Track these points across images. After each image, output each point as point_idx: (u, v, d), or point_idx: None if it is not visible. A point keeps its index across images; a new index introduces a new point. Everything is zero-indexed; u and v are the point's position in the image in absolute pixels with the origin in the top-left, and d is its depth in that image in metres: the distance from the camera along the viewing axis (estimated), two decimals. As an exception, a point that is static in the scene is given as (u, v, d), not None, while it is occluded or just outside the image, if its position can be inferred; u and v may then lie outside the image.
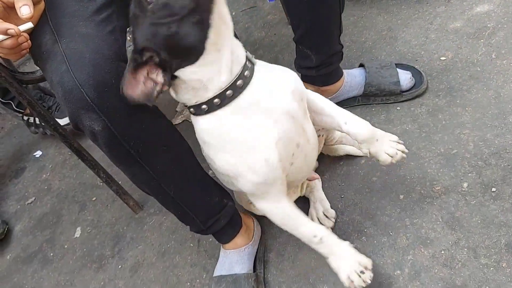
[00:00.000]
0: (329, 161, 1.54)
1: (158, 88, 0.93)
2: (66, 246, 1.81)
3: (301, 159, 1.12)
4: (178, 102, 2.12)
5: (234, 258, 1.38)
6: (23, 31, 0.98)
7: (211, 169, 1.60)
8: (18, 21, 0.97)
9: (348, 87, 1.62)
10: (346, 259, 1.14)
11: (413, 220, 1.31)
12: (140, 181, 1.21)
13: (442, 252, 1.22)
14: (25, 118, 2.29)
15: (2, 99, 2.14)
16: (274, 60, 2.03)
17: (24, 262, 1.85)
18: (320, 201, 1.44)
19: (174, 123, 2.02)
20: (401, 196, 1.37)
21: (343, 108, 1.54)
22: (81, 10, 1.09)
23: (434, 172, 1.38)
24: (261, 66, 1.04)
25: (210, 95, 0.97)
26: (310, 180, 1.47)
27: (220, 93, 0.96)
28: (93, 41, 1.02)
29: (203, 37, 0.90)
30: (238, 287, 1.33)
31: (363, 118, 1.57)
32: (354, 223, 1.38)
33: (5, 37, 0.95)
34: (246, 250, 1.38)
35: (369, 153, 1.22)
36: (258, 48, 2.16)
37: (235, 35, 1.02)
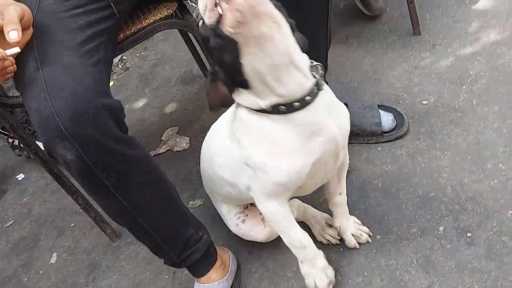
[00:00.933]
0: (310, 198, 1.54)
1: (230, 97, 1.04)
2: (41, 272, 1.78)
3: (321, 175, 1.18)
4: (164, 131, 2.13)
5: None
6: (9, 55, 0.99)
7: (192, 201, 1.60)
8: (5, 44, 0.98)
9: None
10: (317, 269, 1.27)
11: (388, 261, 1.31)
12: (113, 212, 1.20)
13: (416, 295, 1.21)
14: (10, 140, 2.28)
15: (-13, 121, 2.14)
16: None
17: (-2, 286, 1.81)
18: (321, 216, 1.46)
19: (158, 152, 2.02)
20: (378, 237, 1.37)
21: None
22: (68, 40, 1.10)
23: (412, 214, 1.39)
24: (327, 95, 1.07)
25: (263, 106, 1.00)
26: None
27: (274, 105, 0.99)
28: (75, 71, 1.03)
29: (240, 75, 0.94)
30: None
31: (344, 157, 1.60)
32: (331, 261, 1.36)
33: None
34: (220, 284, 1.37)
35: (339, 228, 1.38)
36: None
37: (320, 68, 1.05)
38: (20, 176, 2.30)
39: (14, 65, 1.03)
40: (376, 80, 1.86)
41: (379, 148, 1.60)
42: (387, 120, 1.60)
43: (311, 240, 1.26)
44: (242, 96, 1.02)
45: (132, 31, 1.40)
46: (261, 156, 1.07)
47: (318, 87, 1.01)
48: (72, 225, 1.90)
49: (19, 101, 1.43)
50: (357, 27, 2.16)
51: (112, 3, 1.26)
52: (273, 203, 1.17)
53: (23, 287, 1.75)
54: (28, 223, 2.02)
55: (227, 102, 1.05)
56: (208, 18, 0.86)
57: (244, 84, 0.97)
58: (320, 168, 1.12)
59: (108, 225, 1.70)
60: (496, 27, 1.85)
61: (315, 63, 1.03)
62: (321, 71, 1.04)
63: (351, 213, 1.44)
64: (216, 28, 0.86)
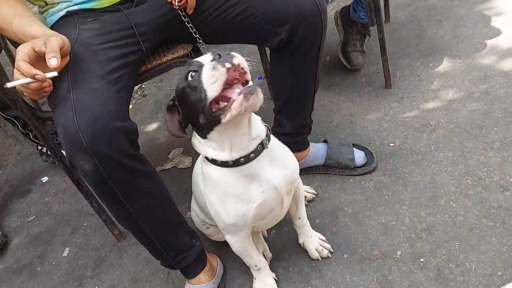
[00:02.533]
0: (289, 217, 1.52)
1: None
2: (53, 263, 1.73)
3: (270, 218, 1.18)
4: (171, 151, 2.11)
5: None
6: (48, 78, 0.99)
7: (189, 212, 1.57)
8: (45, 68, 0.98)
9: (312, 157, 1.63)
10: (266, 286, 1.31)
11: (352, 277, 1.29)
12: (120, 217, 1.18)
13: (374, 309, 1.19)
14: (39, 147, 2.25)
15: (22, 129, 2.11)
16: (255, 127, 2.06)
17: (15, 272, 1.75)
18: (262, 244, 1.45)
19: (164, 168, 2.00)
20: (345, 255, 1.35)
21: (307, 174, 1.55)
22: (98, 69, 1.10)
23: (375, 238, 1.37)
24: (273, 149, 1.08)
25: (224, 158, 1.00)
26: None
27: (234, 160, 1.00)
28: (100, 96, 1.03)
29: (207, 130, 0.97)
30: None
31: (322, 185, 1.61)
32: (303, 274, 1.35)
33: (33, 80, 0.96)
34: (208, 286, 1.34)
35: (303, 244, 1.39)
36: (244, 115, 2.18)
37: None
38: (45, 179, 2.26)
39: (51, 86, 1.02)
40: (352, 122, 1.87)
41: (351, 180, 1.60)
42: (359, 156, 1.60)
43: (266, 263, 1.31)
44: (201, 144, 1.03)
45: (153, 65, 1.39)
46: (215, 201, 1.09)
47: (263, 146, 1.03)
48: (85, 224, 1.86)
49: (51, 115, 1.41)
50: (339, 77, 2.18)
51: (141, 42, 1.26)
52: (233, 238, 1.19)
53: (36, 275, 1.70)
54: (47, 219, 1.98)
55: (178, 132, 1.05)
56: (213, 90, 0.87)
57: (202, 134, 1.00)
58: (266, 212, 1.12)
59: (116, 227, 1.66)
60: (453, 87, 1.87)
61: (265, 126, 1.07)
62: (268, 132, 1.07)
63: (324, 233, 1.43)
64: (208, 101, 0.88)
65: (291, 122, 1.52)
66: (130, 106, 2.63)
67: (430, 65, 2.05)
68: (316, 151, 1.64)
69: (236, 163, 1.00)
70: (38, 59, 1.00)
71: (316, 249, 1.37)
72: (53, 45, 0.98)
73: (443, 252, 1.27)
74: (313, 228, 1.47)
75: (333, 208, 1.52)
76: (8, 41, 1.92)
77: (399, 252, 1.31)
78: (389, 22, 2.46)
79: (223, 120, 0.89)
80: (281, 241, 1.46)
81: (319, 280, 1.31)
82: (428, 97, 1.87)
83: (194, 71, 0.94)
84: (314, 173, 1.67)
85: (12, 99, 1.33)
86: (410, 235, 1.35)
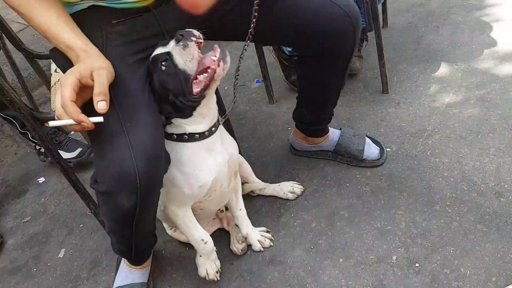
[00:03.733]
0: (286, 221, 1.53)
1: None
2: (49, 264, 1.72)
3: (218, 195, 1.29)
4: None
5: (137, 275, 1.41)
6: (93, 122, 0.89)
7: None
8: (87, 95, 0.91)
9: (329, 141, 1.68)
10: (210, 260, 1.38)
11: (348, 281, 1.29)
12: (119, 235, 1.19)
13: (369, 313, 1.19)
14: (37, 147, 2.24)
15: (20, 129, 2.11)
16: (253, 129, 2.05)
17: (10, 273, 1.74)
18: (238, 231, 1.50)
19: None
20: (341, 260, 1.36)
21: (317, 158, 1.74)
22: (139, 90, 1.02)
23: (370, 243, 1.38)
24: (221, 130, 1.25)
25: (196, 130, 1.14)
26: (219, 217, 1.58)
27: (201, 132, 1.15)
28: (152, 130, 0.98)
29: (191, 111, 1.11)
30: None
31: (318, 189, 1.61)
32: (299, 278, 1.34)
33: (76, 123, 0.88)
34: (149, 268, 1.44)
35: (247, 235, 1.46)
36: (242, 118, 2.18)
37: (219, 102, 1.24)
38: (41, 179, 2.25)
39: (93, 125, 0.91)
40: (349, 127, 1.86)
41: (348, 184, 1.60)
42: (373, 152, 1.62)
43: (210, 238, 1.35)
44: (173, 126, 1.14)
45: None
46: (176, 176, 1.16)
47: (218, 121, 1.20)
48: (81, 225, 1.86)
49: (49, 117, 1.40)
50: (336, 82, 2.18)
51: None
52: (181, 209, 1.25)
53: (31, 276, 1.69)
54: (43, 220, 1.97)
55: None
56: (193, 66, 1.02)
57: (188, 114, 1.10)
58: (217, 187, 1.25)
59: (112, 229, 1.66)
60: (450, 92, 1.88)
61: None
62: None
63: (319, 237, 1.43)
64: (192, 76, 1.04)
65: (311, 114, 1.57)
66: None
67: (427, 70, 2.06)
68: (333, 137, 1.67)
69: (202, 136, 1.14)
70: (81, 88, 0.90)
71: (258, 241, 1.45)
72: (103, 84, 0.89)
73: (438, 257, 1.27)
74: (309, 231, 1.47)
75: (329, 212, 1.52)
76: (6, 41, 1.92)
77: (394, 257, 1.31)
78: (387, 28, 2.48)
79: (208, 92, 1.07)
80: (277, 245, 1.46)
81: (314, 284, 1.31)
82: (425, 102, 1.88)
83: (163, 60, 1.02)
84: (323, 159, 1.71)
85: (10, 100, 1.32)
86: (406, 240, 1.35)
